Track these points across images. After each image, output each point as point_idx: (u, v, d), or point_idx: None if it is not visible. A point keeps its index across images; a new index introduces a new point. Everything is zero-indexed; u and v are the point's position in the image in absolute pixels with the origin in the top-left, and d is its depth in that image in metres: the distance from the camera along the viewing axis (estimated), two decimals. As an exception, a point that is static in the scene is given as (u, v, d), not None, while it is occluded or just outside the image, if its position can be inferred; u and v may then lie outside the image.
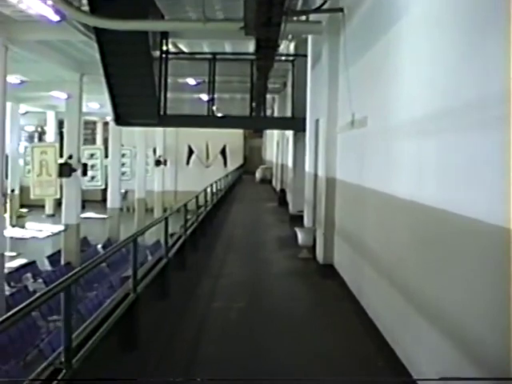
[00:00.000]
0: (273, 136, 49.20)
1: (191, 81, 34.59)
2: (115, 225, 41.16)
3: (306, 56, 21.25)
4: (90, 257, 33.82)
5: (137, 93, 21.95)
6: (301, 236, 16.57)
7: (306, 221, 20.08)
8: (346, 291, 12.16)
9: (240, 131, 62.03)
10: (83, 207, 58.09)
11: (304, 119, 20.82)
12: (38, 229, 47.81)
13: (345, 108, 13.02)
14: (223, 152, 63.07)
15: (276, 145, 42.61)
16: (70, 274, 6.10)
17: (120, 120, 22.73)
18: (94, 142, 61.75)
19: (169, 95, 23.79)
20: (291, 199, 25.18)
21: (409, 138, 7.89)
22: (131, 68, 21.05)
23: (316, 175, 17.73)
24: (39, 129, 63.57)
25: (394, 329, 8.51)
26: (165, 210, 54.98)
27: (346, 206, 12.93)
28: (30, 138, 62.85)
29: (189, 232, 15.53)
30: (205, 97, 29.48)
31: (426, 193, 7.08)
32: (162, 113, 23.11)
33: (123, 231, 42.74)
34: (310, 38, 20.44)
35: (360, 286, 11.18)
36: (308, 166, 19.72)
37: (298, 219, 22.44)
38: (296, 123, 23.28)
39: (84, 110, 42.16)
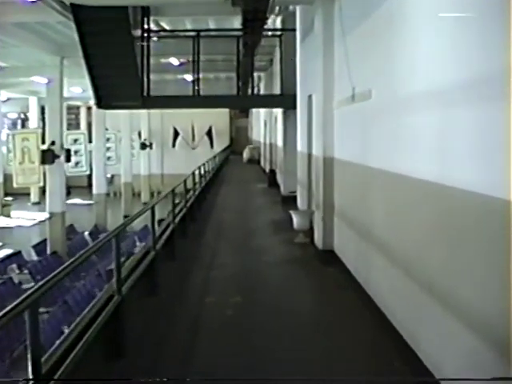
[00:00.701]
0: (259, 115, 48.09)
1: (175, 61, 33.49)
2: (102, 211, 40.09)
3: (294, 30, 20.17)
4: (76, 245, 33.35)
5: (118, 74, 20.84)
6: (296, 219, 15.54)
7: (300, 202, 19.09)
8: (350, 279, 11.14)
9: (226, 112, 61.39)
10: (69, 194, 57.25)
11: (294, 96, 19.79)
12: (23, 217, 46.60)
13: (342, 81, 11.97)
14: (209, 133, 61.71)
15: (263, 124, 41.42)
16: (34, 289, 5.05)
17: (102, 103, 21.60)
18: (78, 127, 60.43)
19: (152, 77, 22.69)
20: (282, 180, 24.06)
21: (428, 109, 6.82)
22: (111, 48, 19.95)
23: (310, 155, 16.77)
24: (22, 115, 62.19)
25: (412, 323, 7.47)
26: (152, 194, 54.49)
27: (348, 187, 11.88)
28: (14, 125, 61.44)
29: (177, 219, 14.46)
30: (189, 77, 28.30)
31: (452, 173, 6.04)
32: (145, 94, 21.99)
33: (110, 217, 42.02)
34: (298, 9, 19.33)
35: (367, 275, 10.16)
36: (300, 145, 18.71)
37: (290, 201, 21.54)
38: (285, 100, 22.19)
39: (66, 94, 41.46)
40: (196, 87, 24.20)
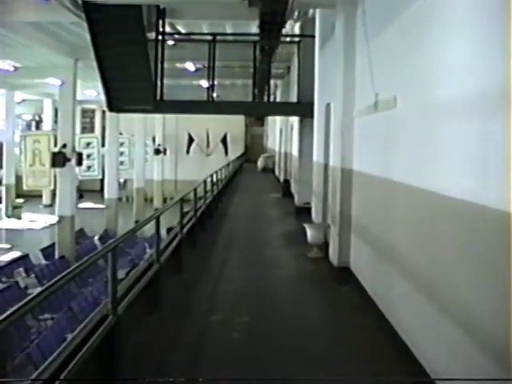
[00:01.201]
0: (275, 123, 47.26)
1: (190, 66, 32.81)
2: (113, 216, 39.38)
3: (313, 37, 19.38)
4: (85, 250, 32.67)
5: (130, 76, 20.15)
6: (310, 233, 14.74)
7: (315, 215, 18.29)
8: (368, 301, 10.31)
9: (241, 119, 60.53)
10: (81, 197, 57.14)
11: (311, 104, 18.98)
12: (34, 219, 45.97)
13: (364, 89, 11.20)
14: (224, 140, 61.08)
15: (279, 132, 40.59)
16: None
17: (113, 106, 20.93)
18: (92, 130, 59.88)
19: (167, 81, 21.97)
20: (297, 190, 23.25)
21: (461, 119, 6.02)
22: (124, 49, 19.33)
23: (326, 165, 16.01)
24: (37, 117, 61.71)
25: (441, 360, 6.63)
26: (165, 200, 53.79)
27: (367, 201, 11.07)
28: (28, 127, 60.99)
29: (186, 229, 13.69)
30: (205, 83, 27.56)
31: (487, 191, 5.26)
32: (158, 98, 21.27)
33: (122, 222, 41.28)
34: (318, 15, 18.55)
35: (386, 297, 9.33)
36: (316, 156, 17.91)
37: (304, 212, 20.79)
38: (302, 109, 21.39)
39: (81, 97, 41.06)
40: (211, 93, 23.47)
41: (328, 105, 15.75)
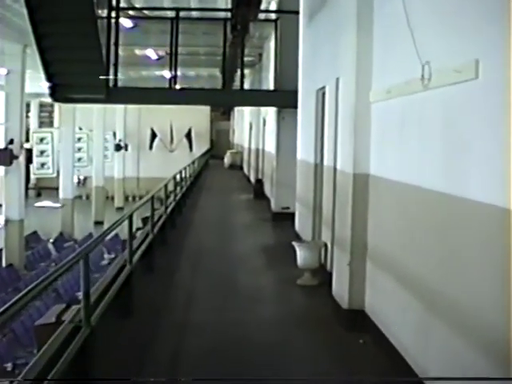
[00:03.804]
0: (243, 117, 43.68)
1: (152, 53, 29.23)
2: (70, 216, 35.70)
3: (295, 12, 15.81)
4: (37, 256, 29.09)
5: (77, 59, 16.56)
6: (302, 254, 11.15)
7: (300, 225, 14.85)
8: (396, 359, 6.88)
9: (206, 113, 57.41)
10: (39, 195, 53.40)
11: (294, 92, 15.45)
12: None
13: (390, 60, 7.72)
14: (188, 135, 57.46)
15: (248, 127, 36.85)
16: None
17: (57, 94, 17.24)
18: (51, 125, 55.89)
19: (125, 71, 18.37)
20: (274, 193, 19.47)
21: None
22: (69, 27, 15.68)
23: (317, 165, 12.55)
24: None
25: None
26: (126, 198, 50.28)
27: (395, 222, 7.51)
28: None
29: (137, 256, 10.01)
30: (168, 74, 23.89)
31: None
32: (111, 86, 17.60)
33: (80, 222, 37.93)
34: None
35: (425, 357, 5.91)
36: (302, 153, 14.47)
37: (283, 219, 17.45)
38: (281, 97, 17.81)
39: (39, 90, 37.33)
40: (173, 85, 19.82)
41: (320, 90, 12.25)
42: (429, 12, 6.49)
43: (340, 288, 9.10)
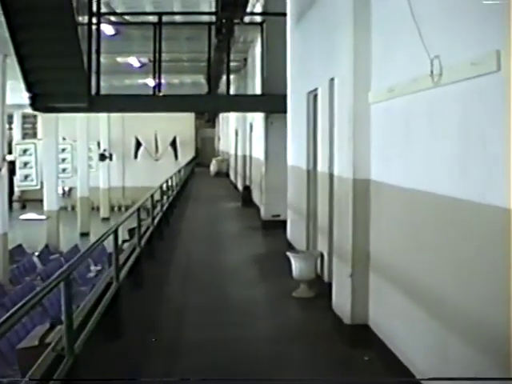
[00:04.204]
0: (228, 124, 42.98)
1: (134, 61, 28.61)
2: (56, 228, 34.88)
3: (282, 14, 15.26)
4: (22, 270, 28.37)
5: (58, 67, 15.96)
6: (297, 265, 10.57)
7: (291, 233, 14.28)
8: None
9: (191, 121, 56.69)
10: (24, 207, 52.53)
11: (282, 97, 14.90)
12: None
13: (390, 57, 7.16)
14: (173, 144, 56.61)
15: (234, 134, 36.14)
16: None
17: (37, 104, 16.60)
18: (35, 136, 54.98)
19: (107, 79, 17.75)
20: (263, 201, 18.82)
21: None
22: (48, 33, 15.09)
23: (309, 171, 12.01)
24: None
25: None
26: (112, 208, 49.49)
27: (400, 230, 6.95)
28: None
29: (127, 268, 9.42)
30: (151, 82, 23.23)
31: None
32: (93, 93, 16.97)
33: (66, 234, 37.09)
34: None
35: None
36: (293, 159, 13.90)
37: (274, 228, 16.88)
38: (269, 102, 17.20)
39: (21, 101, 36.30)
40: (157, 92, 19.18)
41: (311, 93, 11.71)
42: (436, 0, 5.95)
43: (341, 301, 8.52)
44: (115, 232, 8.34)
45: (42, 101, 16.50)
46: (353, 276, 8.01)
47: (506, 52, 4.49)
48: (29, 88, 16.08)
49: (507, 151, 4.48)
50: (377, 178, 7.66)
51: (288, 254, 10.84)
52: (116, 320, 7.99)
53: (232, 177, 39.55)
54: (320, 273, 10.76)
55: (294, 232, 13.90)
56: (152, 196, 14.56)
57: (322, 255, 10.70)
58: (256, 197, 22.77)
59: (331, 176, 9.88)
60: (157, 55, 18.59)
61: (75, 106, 17.48)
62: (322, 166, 10.76)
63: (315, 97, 11.52)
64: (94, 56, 17.10)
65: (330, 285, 9.77)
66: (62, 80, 16.16)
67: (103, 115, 46.66)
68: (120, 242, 18.71)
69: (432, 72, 5.69)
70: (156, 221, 14.96)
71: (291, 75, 14.38)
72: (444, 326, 5.64)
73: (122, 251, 11.11)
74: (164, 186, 19.48)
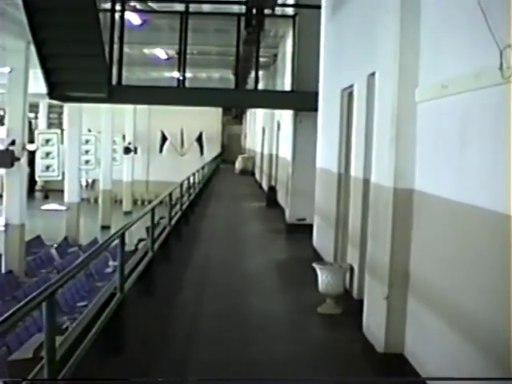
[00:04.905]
0: (255, 122, 42.09)
1: (161, 53, 27.71)
2: (75, 220, 34.15)
3: (316, 7, 14.25)
4: (39, 262, 27.69)
5: (77, 54, 15.09)
6: (324, 278, 9.52)
7: (317, 239, 13.25)
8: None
9: (218, 117, 55.56)
10: (46, 197, 51.98)
11: (314, 94, 13.91)
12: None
13: (448, 49, 6.10)
14: (199, 139, 55.73)
15: (261, 131, 35.11)
16: None
17: (55, 92, 15.69)
18: (60, 127, 54.39)
19: (132, 71, 16.85)
20: (288, 203, 17.76)
21: None
22: (67, 18, 14.20)
23: (341, 175, 10.99)
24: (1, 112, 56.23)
25: None
26: (135, 202, 48.75)
27: (448, 249, 5.92)
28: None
29: (135, 276, 8.45)
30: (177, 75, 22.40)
31: None
32: (115, 83, 16.05)
33: (87, 227, 36.84)
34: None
35: None
36: (323, 161, 12.95)
37: (299, 232, 15.91)
38: (299, 99, 16.15)
39: (45, 90, 35.58)
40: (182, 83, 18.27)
41: (347, 89, 10.68)
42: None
43: (373, 324, 7.49)
44: (122, 237, 7.38)
45: (59, 89, 15.61)
46: (389, 298, 6.97)
47: None
48: (46, 75, 15.20)
49: None
50: (422, 188, 6.61)
51: (314, 265, 9.80)
52: (118, 337, 7.06)
53: (257, 175, 38.58)
54: (349, 288, 9.72)
55: (321, 239, 12.89)
56: (170, 194, 13.57)
57: (351, 268, 9.67)
58: (281, 198, 21.75)
59: (366, 182, 8.87)
60: (182, 46, 17.64)
61: (94, 96, 16.53)
62: (355, 171, 9.72)
63: (350, 94, 10.50)
64: (117, 45, 16.28)
65: (360, 302, 8.80)
66: (81, 68, 15.31)
67: (129, 108, 46.08)
68: (137, 240, 17.93)
69: (502, 65, 4.65)
70: (174, 220, 14.04)
71: (324, 71, 13.38)
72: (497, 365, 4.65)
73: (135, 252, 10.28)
74: (185, 182, 18.51)
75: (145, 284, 9.25)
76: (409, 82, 6.77)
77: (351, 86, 10.27)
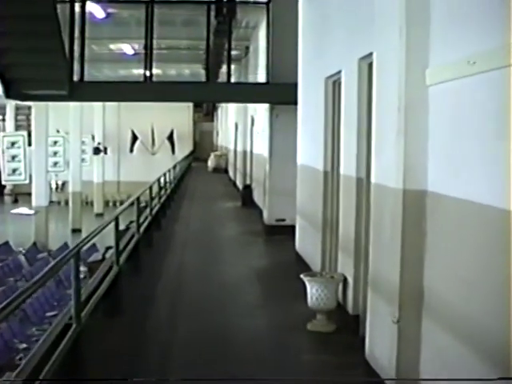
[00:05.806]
0: (227, 117, 41.07)
1: (128, 48, 26.46)
2: (45, 224, 32.87)
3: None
4: (6, 270, 26.37)
5: (34, 49, 13.75)
6: (314, 291, 8.30)
7: (300, 243, 12.05)
8: None
9: (189, 113, 54.57)
10: (16, 201, 50.51)
11: (293, 86, 12.74)
12: None
13: (467, 18, 4.91)
14: (170, 137, 54.46)
15: (234, 128, 33.93)
16: None
17: (11, 91, 14.40)
18: (29, 129, 53.00)
19: (99, 66, 15.64)
20: (266, 202, 16.51)
21: None
22: (20, 8, 12.95)
23: (327, 173, 9.82)
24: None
25: None
26: (107, 203, 47.58)
27: (475, 264, 4.76)
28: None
29: (96, 298, 7.21)
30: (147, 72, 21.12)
31: None
32: (76, 79, 14.79)
33: (57, 230, 35.64)
34: None
35: None
36: (305, 157, 11.70)
37: (279, 234, 14.83)
38: (275, 91, 15.00)
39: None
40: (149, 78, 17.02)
41: (333, 77, 9.50)
42: None
43: (380, 352, 6.29)
44: (77, 254, 6.17)
45: (16, 87, 14.41)
46: (400, 322, 5.76)
47: None
48: (1, 73, 13.89)
49: None
50: (437, 188, 5.41)
51: (302, 276, 8.58)
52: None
53: (231, 173, 37.43)
54: (342, 301, 8.52)
55: (305, 243, 11.71)
56: (138, 198, 12.30)
57: (345, 279, 8.48)
58: (258, 197, 20.55)
59: (360, 181, 7.70)
60: (149, 39, 16.36)
61: (55, 94, 15.24)
62: (346, 169, 8.51)
63: (336, 82, 9.31)
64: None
65: (356, 318, 7.66)
66: (39, 64, 14.11)
67: (98, 107, 44.90)
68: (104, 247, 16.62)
69: None
70: (145, 226, 12.85)
71: (303, 60, 12.20)
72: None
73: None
74: (156, 183, 17.32)
75: (107, 308, 7.98)
76: (418, 61, 5.58)
77: (338, 73, 9.07)
